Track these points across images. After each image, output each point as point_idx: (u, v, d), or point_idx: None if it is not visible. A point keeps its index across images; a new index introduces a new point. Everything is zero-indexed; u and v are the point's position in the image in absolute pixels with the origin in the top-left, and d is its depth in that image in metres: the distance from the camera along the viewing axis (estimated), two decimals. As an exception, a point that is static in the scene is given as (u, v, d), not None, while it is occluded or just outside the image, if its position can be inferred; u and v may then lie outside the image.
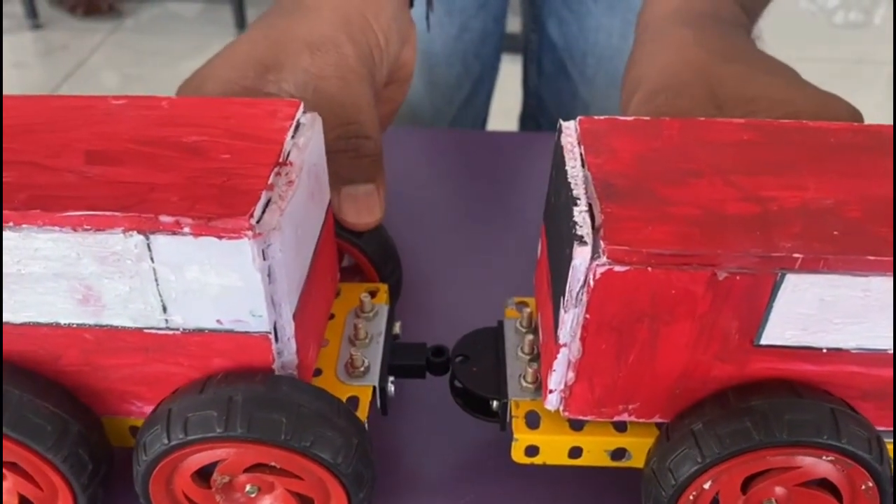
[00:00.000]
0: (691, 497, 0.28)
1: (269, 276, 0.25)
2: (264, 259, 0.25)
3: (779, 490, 0.28)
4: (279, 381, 0.27)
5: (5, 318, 0.27)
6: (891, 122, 0.31)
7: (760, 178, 0.27)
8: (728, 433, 0.27)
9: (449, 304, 0.42)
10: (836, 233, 0.25)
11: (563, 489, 0.33)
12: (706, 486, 0.28)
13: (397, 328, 0.35)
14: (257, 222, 0.24)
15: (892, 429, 0.29)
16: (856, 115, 0.37)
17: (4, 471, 0.28)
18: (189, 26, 2.12)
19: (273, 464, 0.28)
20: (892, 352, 0.27)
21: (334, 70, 0.36)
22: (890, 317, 0.26)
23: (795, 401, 0.27)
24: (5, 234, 0.25)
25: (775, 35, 1.85)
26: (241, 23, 2.04)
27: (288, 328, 0.27)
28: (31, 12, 2.05)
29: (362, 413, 0.30)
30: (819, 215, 0.26)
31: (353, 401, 0.31)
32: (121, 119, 0.29)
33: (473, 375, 0.32)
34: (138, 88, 1.78)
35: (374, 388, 0.31)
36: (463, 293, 0.42)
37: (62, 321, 0.27)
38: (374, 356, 0.32)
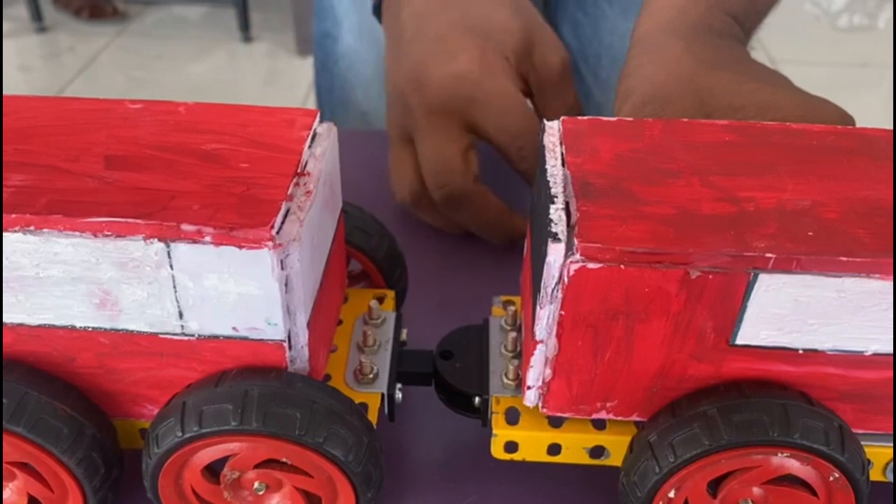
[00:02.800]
0: None
1: (285, 285, 0.26)
2: (282, 269, 0.25)
3: (756, 490, 0.29)
4: (293, 378, 0.28)
5: (22, 319, 0.27)
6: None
7: (739, 178, 0.27)
8: (680, 441, 0.27)
9: (454, 309, 0.42)
10: (810, 233, 0.25)
11: (568, 492, 0.33)
12: (671, 494, 0.28)
13: (404, 335, 0.35)
14: (277, 233, 0.25)
15: (875, 432, 0.29)
16: (845, 119, 0.37)
17: (14, 470, 0.28)
18: (193, 30, 2.13)
19: (284, 460, 0.28)
20: (868, 353, 0.27)
21: None
22: (864, 318, 0.26)
23: (743, 401, 0.27)
24: (25, 237, 0.25)
25: (779, 38, 1.86)
26: (245, 26, 2.05)
27: (302, 336, 0.27)
28: (37, 15, 2.05)
29: (371, 419, 0.30)
30: (795, 216, 0.26)
31: (363, 407, 0.31)
32: (138, 124, 0.29)
33: (456, 372, 0.33)
34: (144, 91, 1.78)
35: (383, 395, 0.32)
36: (468, 298, 0.42)
37: (78, 324, 0.27)
38: (382, 363, 0.33)
